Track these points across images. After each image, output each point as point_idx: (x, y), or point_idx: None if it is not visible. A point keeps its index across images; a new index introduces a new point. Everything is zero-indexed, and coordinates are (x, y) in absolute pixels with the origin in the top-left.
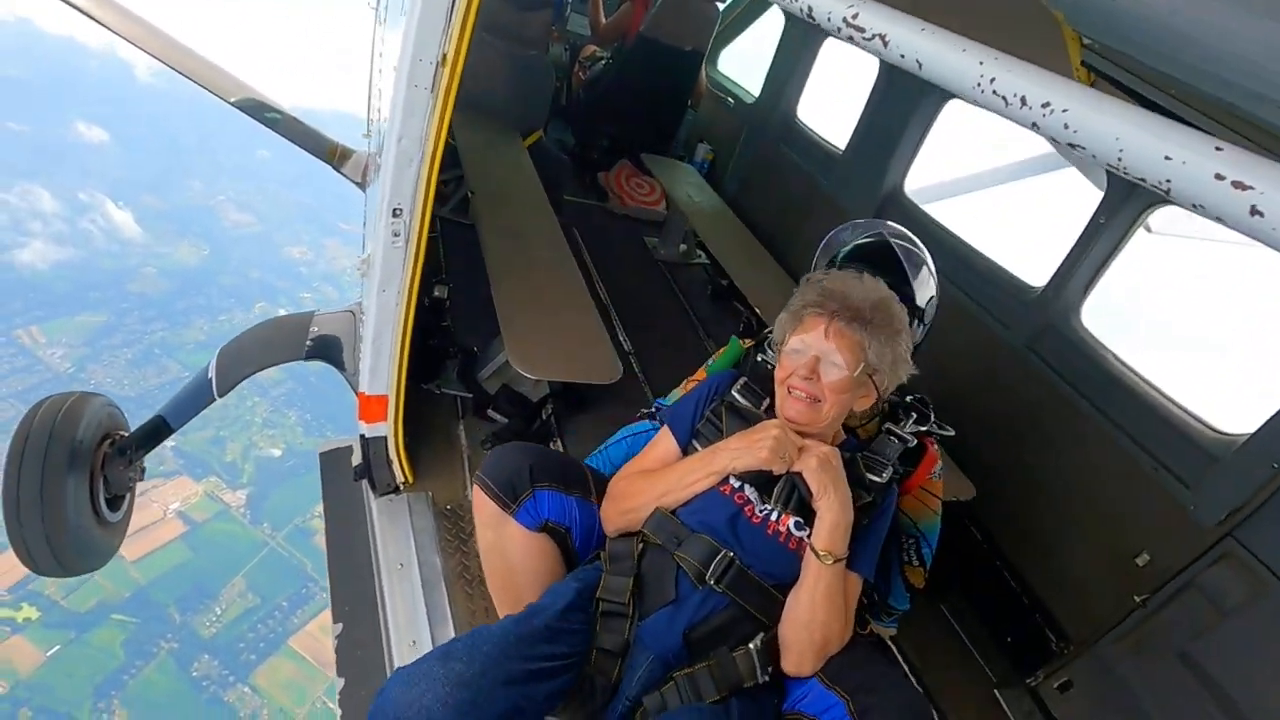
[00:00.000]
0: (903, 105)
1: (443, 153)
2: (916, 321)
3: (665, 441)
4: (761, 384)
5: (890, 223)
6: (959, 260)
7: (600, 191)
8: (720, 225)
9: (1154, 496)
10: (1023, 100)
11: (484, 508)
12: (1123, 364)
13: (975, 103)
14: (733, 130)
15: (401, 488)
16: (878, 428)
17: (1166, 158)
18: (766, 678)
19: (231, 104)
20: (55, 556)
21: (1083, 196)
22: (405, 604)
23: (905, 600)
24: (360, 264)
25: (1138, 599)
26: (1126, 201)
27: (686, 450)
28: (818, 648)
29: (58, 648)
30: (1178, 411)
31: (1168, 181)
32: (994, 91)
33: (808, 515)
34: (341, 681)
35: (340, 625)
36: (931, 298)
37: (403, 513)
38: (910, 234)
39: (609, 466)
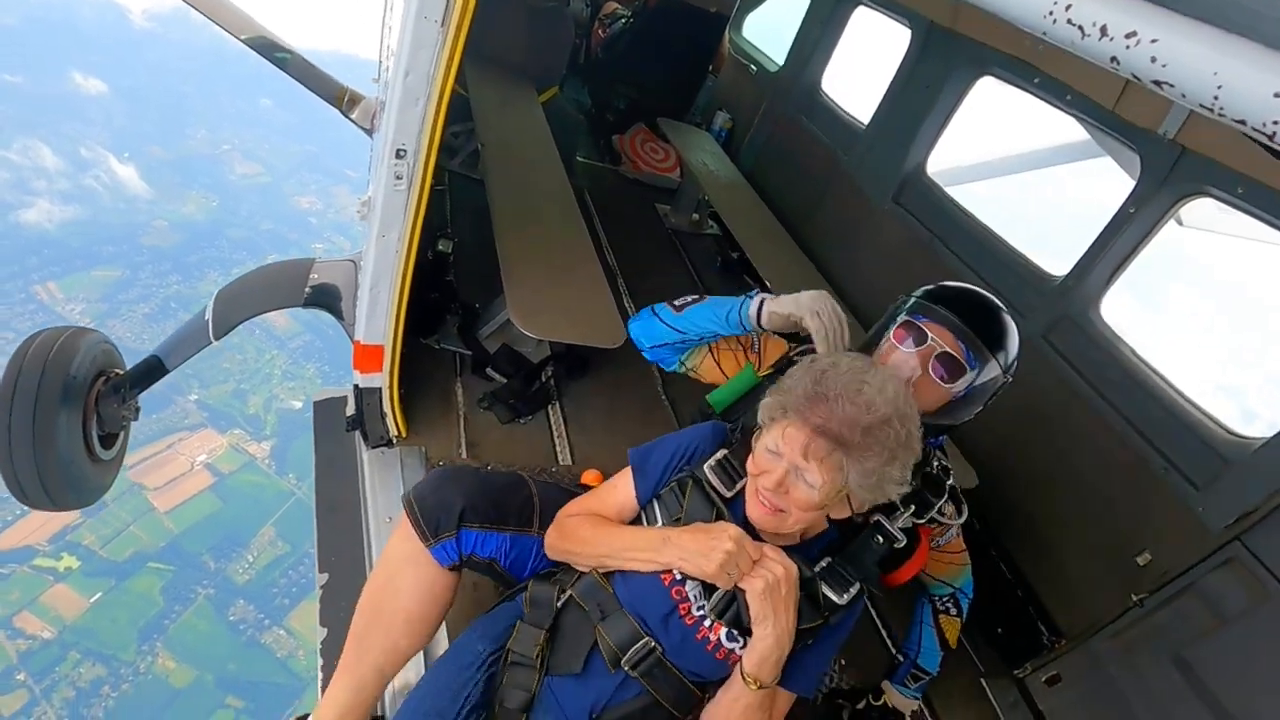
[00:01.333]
0: (931, 81)
1: (455, 104)
2: (999, 382)
3: (625, 489)
4: (742, 459)
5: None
6: (979, 245)
7: (614, 154)
8: (735, 196)
9: (1161, 496)
10: (1102, 30)
11: (404, 526)
12: (1140, 359)
13: (1045, 35)
14: (753, 99)
15: (395, 441)
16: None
17: (1276, 95)
18: None
19: (242, 41)
20: (45, 489)
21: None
22: None
23: (936, 661)
24: (360, 206)
25: (1135, 598)
26: (1159, 192)
27: (645, 509)
28: None
29: (100, 594)
30: (1193, 411)
31: (1275, 123)
32: (1069, 20)
33: (744, 629)
34: (324, 632)
35: (326, 575)
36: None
37: (394, 466)
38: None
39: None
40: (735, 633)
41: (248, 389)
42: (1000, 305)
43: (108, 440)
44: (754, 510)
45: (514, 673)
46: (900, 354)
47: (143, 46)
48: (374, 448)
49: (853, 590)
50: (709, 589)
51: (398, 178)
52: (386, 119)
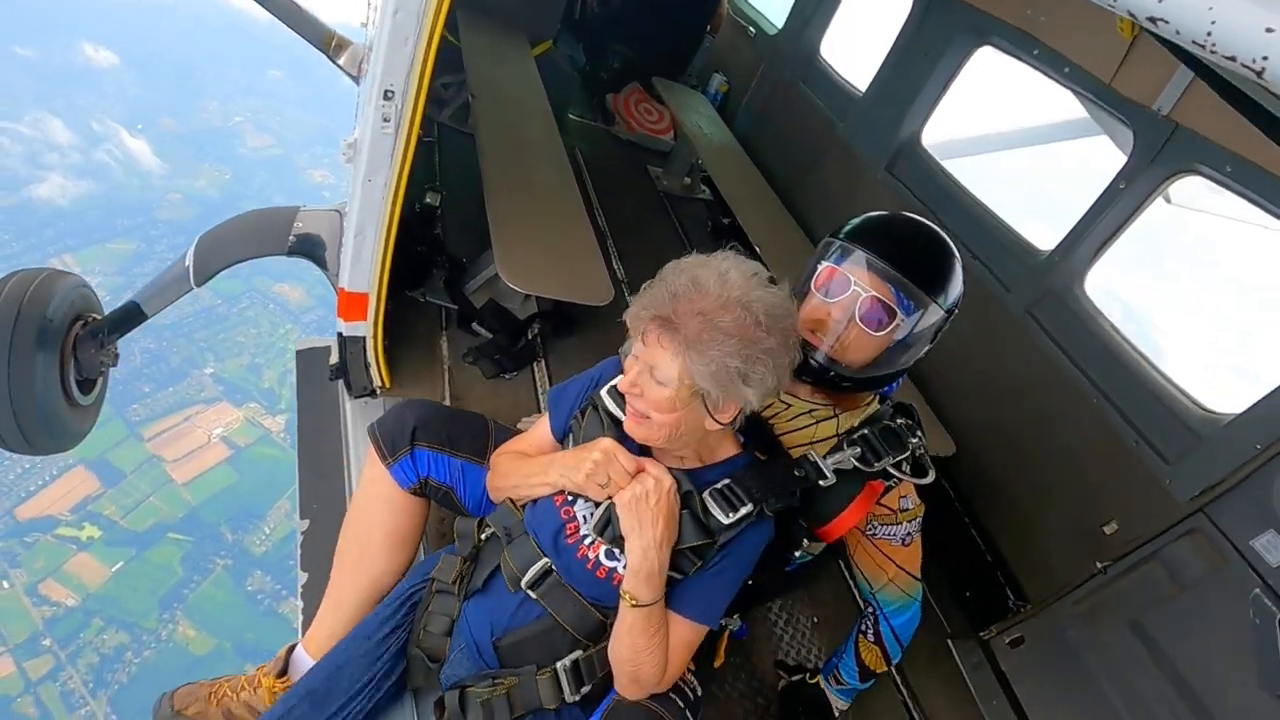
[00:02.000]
0: (930, 48)
1: (445, 54)
2: (941, 322)
3: (543, 425)
4: None
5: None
6: (968, 217)
7: (607, 114)
8: (728, 161)
9: (1132, 469)
10: None
11: (370, 454)
12: (1120, 336)
13: None
14: (751, 62)
15: (378, 391)
16: (830, 439)
17: (1268, 30)
18: (577, 698)
19: None
20: (22, 432)
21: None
22: None
23: (854, 674)
24: (345, 148)
25: (1099, 565)
26: (1150, 167)
27: (562, 441)
28: (629, 680)
29: (121, 564)
30: (1169, 388)
31: (1264, 59)
32: None
33: (623, 546)
34: (305, 576)
35: (307, 522)
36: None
37: (377, 416)
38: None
39: None
40: (616, 552)
41: (262, 363)
42: (936, 233)
43: (85, 386)
44: (629, 425)
45: (438, 600)
46: (817, 303)
47: (153, 17)
48: (357, 398)
49: (742, 510)
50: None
51: (385, 120)
52: (374, 58)
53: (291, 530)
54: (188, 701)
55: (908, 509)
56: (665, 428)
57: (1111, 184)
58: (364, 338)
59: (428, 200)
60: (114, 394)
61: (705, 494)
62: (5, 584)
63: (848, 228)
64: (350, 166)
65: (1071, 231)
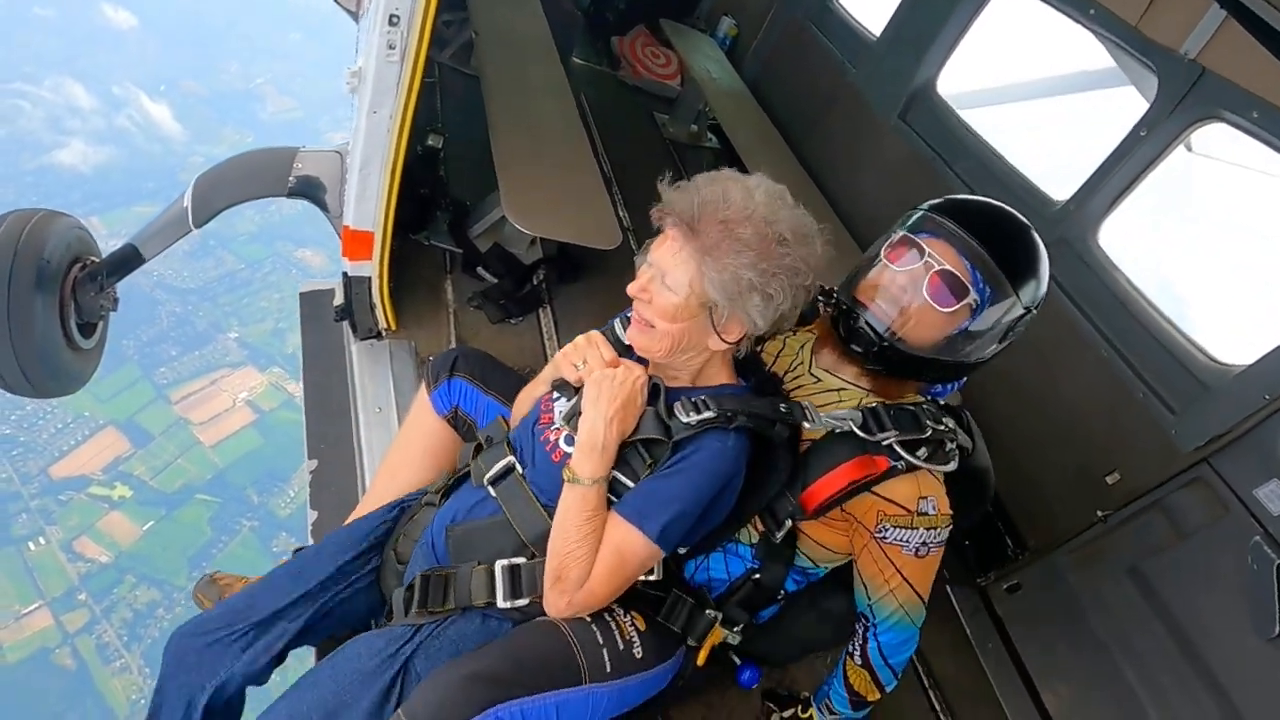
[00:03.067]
0: None
1: None
2: (1019, 316)
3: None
4: None
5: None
6: (982, 166)
7: (613, 58)
8: (737, 107)
9: (1137, 420)
10: None
11: (422, 387)
12: (1133, 287)
13: None
14: (761, 5)
15: (384, 334)
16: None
17: None
18: (508, 604)
19: None
20: (24, 373)
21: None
22: (381, 446)
23: (845, 702)
24: (349, 77)
25: (1100, 514)
26: (1173, 114)
27: None
28: (553, 579)
29: (152, 523)
30: (1179, 339)
31: None
32: None
33: None
34: (315, 514)
35: (315, 461)
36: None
37: (383, 358)
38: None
39: None
40: (574, 438)
41: (286, 328)
42: (1027, 224)
43: (86, 329)
44: (632, 332)
45: (423, 511)
46: (889, 273)
47: None
48: (362, 339)
49: (706, 413)
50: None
51: (390, 47)
52: None
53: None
54: (226, 579)
55: (928, 514)
56: (668, 338)
57: (1132, 131)
58: (369, 278)
59: (430, 142)
60: (142, 356)
61: (670, 393)
62: (42, 540)
63: (933, 201)
64: (354, 98)
65: (1089, 180)
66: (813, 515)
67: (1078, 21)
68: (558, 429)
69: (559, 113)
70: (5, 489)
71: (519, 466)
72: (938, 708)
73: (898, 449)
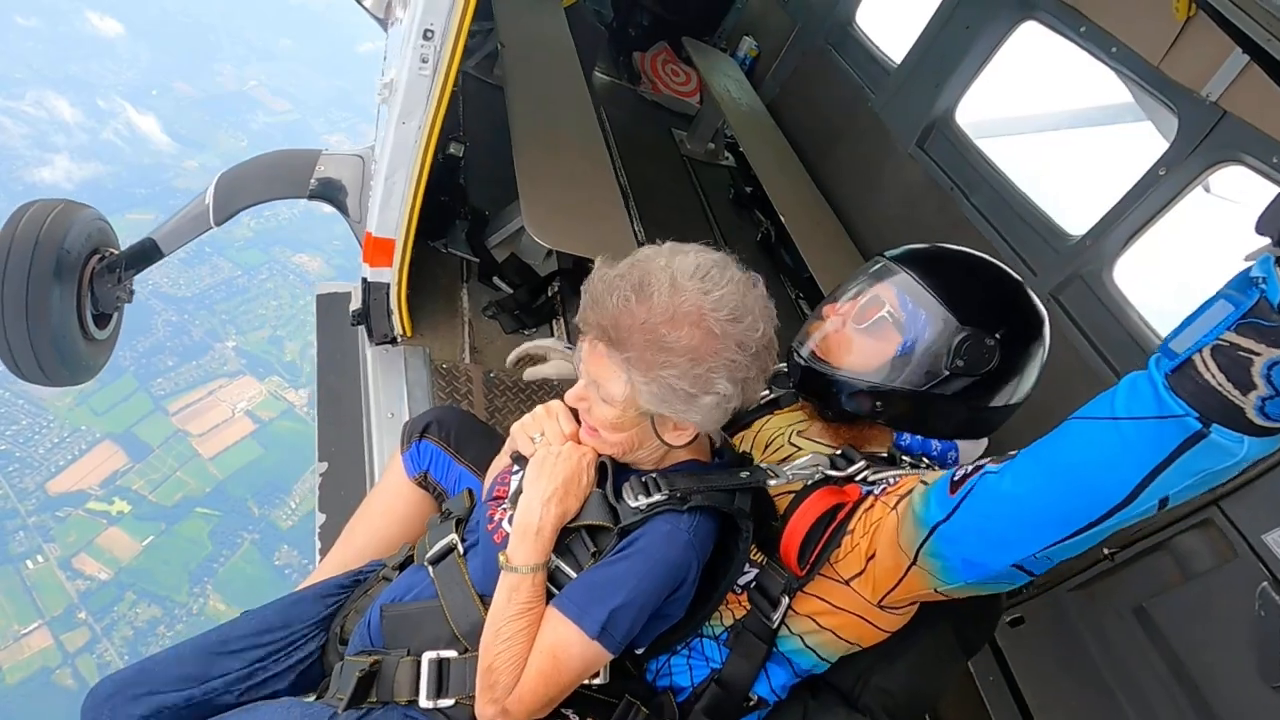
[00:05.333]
0: (972, 20)
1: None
2: (958, 336)
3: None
4: None
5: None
6: (998, 197)
7: (633, 73)
8: (755, 127)
9: None
10: None
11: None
12: (1147, 325)
13: None
14: (783, 27)
15: (399, 340)
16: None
17: None
18: (431, 704)
19: None
20: (39, 363)
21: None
22: (392, 452)
23: None
24: (381, 88)
25: (1106, 551)
26: (1192, 155)
27: None
28: (482, 681)
29: (151, 538)
30: None
31: None
32: None
33: None
34: (323, 517)
35: (325, 464)
36: (1000, 339)
37: (398, 364)
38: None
39: None
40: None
41: (284, 335)
42: (985, 259)
43: (101, 320)
44: (582, 433)
45: (378, 585)
46: (825, 312)
47: None
48: (378, 345)
49: (655, 495)
50: None
51: (423, 60)
52: None
53: (315, 506)
54: None
55: (890, 479)
56: (617, 445)
57: (1150, 170)
58: (388, 284)
59: (451, 150)
60: (138, 367)
61: (628, 480)
62: (40, 558)
63: (892, 251)
64: (385, 108)
65: (1105, 216)
66: (806, 575)
67: (1099, 59)
68: (505, 508)
69: (580, 127)
70: (2, 506)
71: (459, 547)
72: None
73: (871, 478)
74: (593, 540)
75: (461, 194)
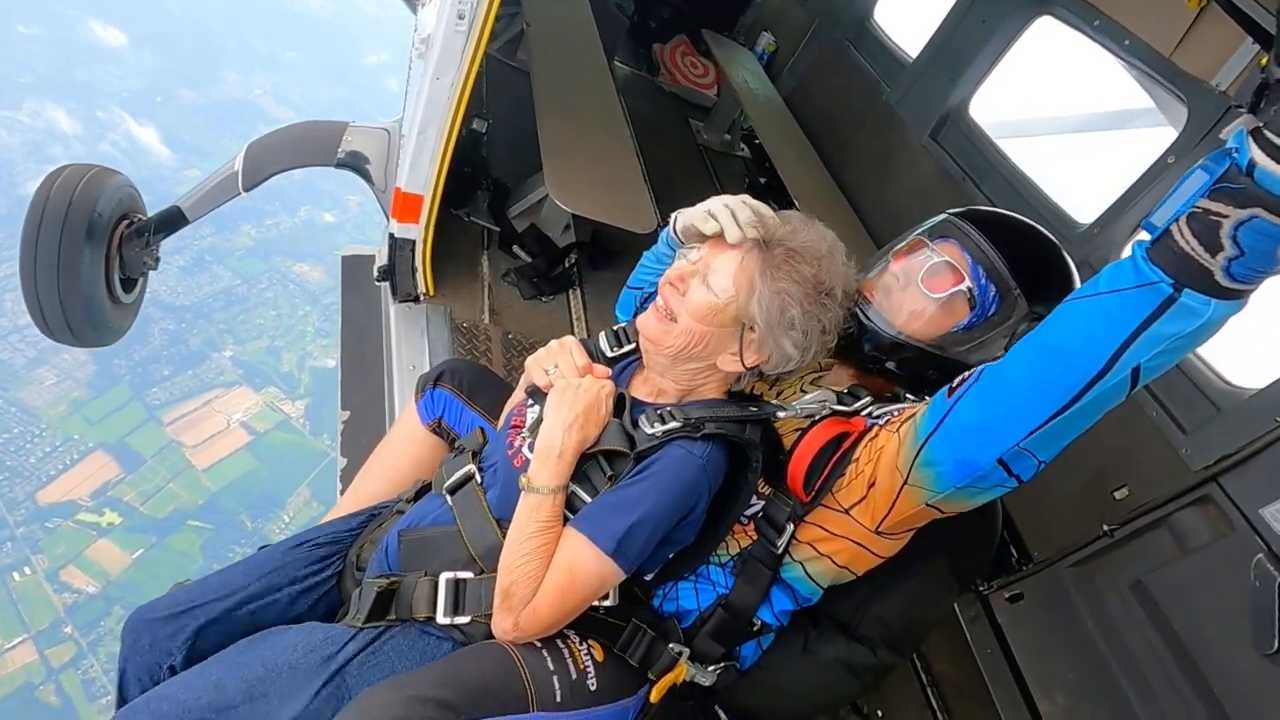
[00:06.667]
0: (988, 15)
1: None
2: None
3: None
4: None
5: None
6: (1010, 187)
7: (652, 64)
8: (773, 118)
9: (1149, 438)
10: None
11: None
12: None
13: None
14: (801, 23)
15: (421, 298)
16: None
17: None
18: (449, 620)
19: None
20: (67, 321)
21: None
22: None
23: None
24: (418, 44)
25: (1105, 528)
26: (1201, 142)
27: None
28: (501, 596)
29: (141, 551)
30: (1194, 361)
31: None
32: None
33: None
34: (344, 461)
35: (348, 413)
36: None
37: (420, 321)
38: None
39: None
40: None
41: (281, 345)
42: (1051, 239)
43: (128, 284)
44: (646, 318)
45: (393, 519)
46: (892, 268)
47: None
48: (401, 302)
49: (671, 423)
50: None
51: (460, 16)
52: None
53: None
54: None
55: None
56: (687, 335)
57: (1160, 158)
58: (414, 241)
59: (475, 126)
60: (133, 377)
61: (638, 407)
62: (27, 570)
63: (956, 210)
64: (417, 66)
65: (1114, 205)
66: (811, 501)
67: (1112, 52)
68: (524, 437)
69: (602, 105)
70: None
71: (478, 476)
72: (935, 705)
73: (875, 411)
74: (609, 465)
75: (484, 166)
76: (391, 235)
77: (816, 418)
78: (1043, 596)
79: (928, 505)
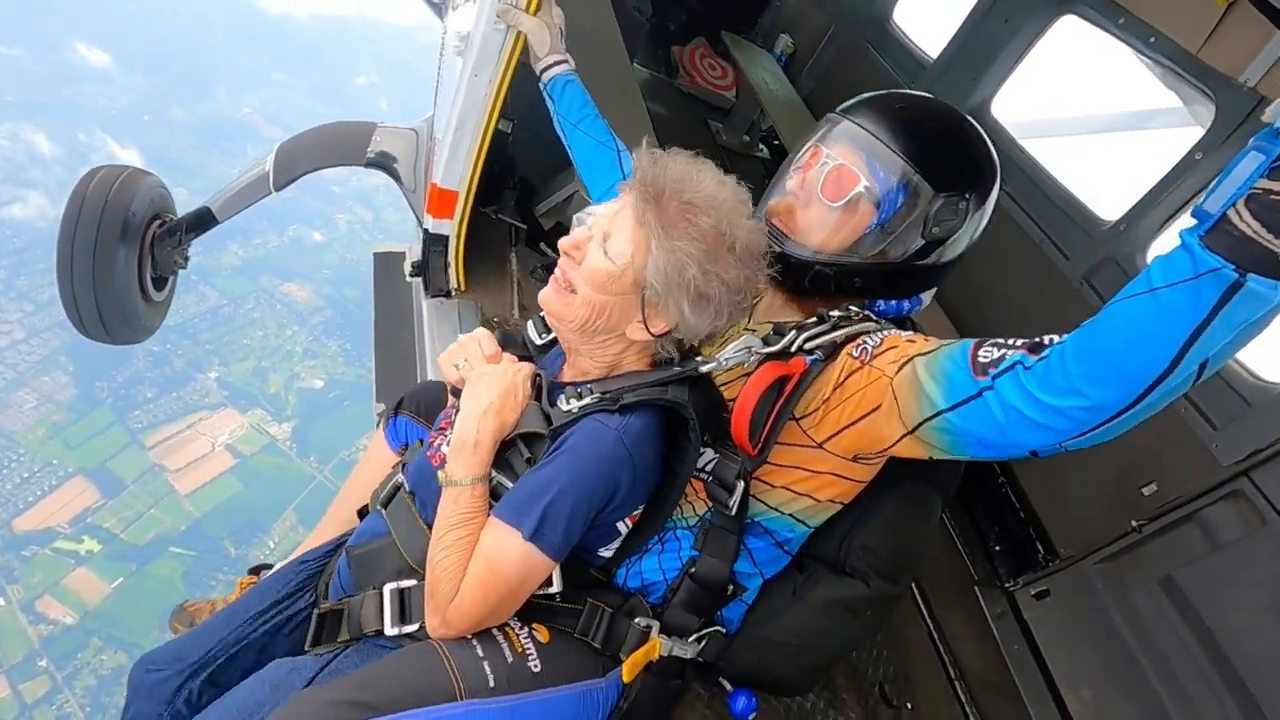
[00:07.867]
0: (1010, 14)
1: None
2: (937, 203)
3: None
4: None
5: None
6: (1032, 184)
7: (671, 66)
8: (793, 119)
9: (1178, 433)
10: None
11: None
12: None
13: None
14: (820, 25)
15: (453, 293)
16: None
17: None
18: (396, 630)
19: None
20: (102, 319)
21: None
22: None
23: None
24: (458, 40)
25: (1134, 524)
26: (1229, 139)
27: None
28: (428, 593)
29: (121, 579)
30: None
31: None
32: None
33: None
34: None
35: (382, 404)
36: (971, 199)
37: (451, 316)
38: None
39: None
40: None
41: (268, 366)
42: (949, 109)
43: (159, 283)
44: (546, 292)
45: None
46: (791, 184)
47: (150, 16)
48: (433, 297)
49: (585, 400)
50: None
51: (498, 16)
52: None
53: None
54: (195, 606)
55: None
56: (588, 307)
57: (1187, 155)
58: (448, 236)
59: (500, 126)
60: (115, 399)
61: (555, 386)
62: (1, 601)
63: (844, 104)
64: (451, 65)
65: (1140, 201)
66: (759, 454)
67: (1138, 50)
68: (447, 436)
69: (626, 103)
70: None
71: (405, 484)
72: (962, 699)
73: (806, 345)
74: (528, 449)
75: (510, 165)
76: (426, 231)
77: (749, 366)
78: (1070, 593)
79: (930, 459)
